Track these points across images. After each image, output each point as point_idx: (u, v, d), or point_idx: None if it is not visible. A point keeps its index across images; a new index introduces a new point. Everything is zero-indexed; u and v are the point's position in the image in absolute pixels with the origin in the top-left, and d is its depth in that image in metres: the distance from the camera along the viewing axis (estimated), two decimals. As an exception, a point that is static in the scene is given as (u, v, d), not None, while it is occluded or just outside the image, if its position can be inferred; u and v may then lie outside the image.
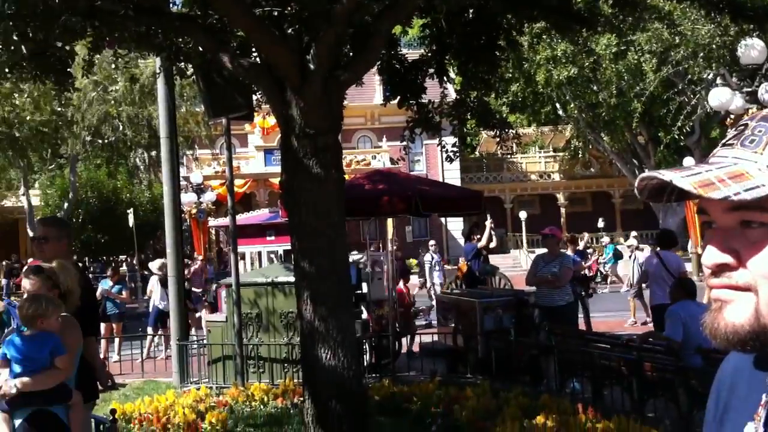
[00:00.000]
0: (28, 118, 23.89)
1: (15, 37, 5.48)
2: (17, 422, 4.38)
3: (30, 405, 4.37)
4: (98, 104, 23.87)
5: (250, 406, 8.67)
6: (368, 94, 36.59)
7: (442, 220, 38.82)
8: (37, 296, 4.49)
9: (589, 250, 21.06)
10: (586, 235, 22.10)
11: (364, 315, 11.56)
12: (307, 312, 6.35)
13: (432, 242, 23.70)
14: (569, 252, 13.70)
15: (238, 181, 31.06)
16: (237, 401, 8.71)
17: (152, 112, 24.43)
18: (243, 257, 17.29)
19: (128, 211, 26.62)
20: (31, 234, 27.30)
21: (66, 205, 29.46)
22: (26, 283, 4.74)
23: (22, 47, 5.42)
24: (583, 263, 14.62)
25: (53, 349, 4.38)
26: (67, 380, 4.49)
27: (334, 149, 6.46)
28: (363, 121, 40.65)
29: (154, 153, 27.71)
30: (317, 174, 6.28)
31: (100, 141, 25.69)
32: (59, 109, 22.91)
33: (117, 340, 14.18)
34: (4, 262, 33.67)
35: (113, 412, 5.32)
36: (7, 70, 5.96)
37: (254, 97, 9.36)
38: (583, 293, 13.60)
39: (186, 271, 17.36)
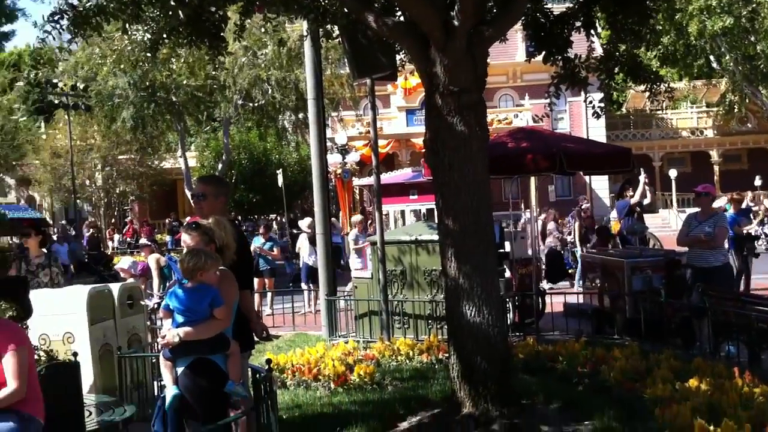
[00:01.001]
0: (184, 83, 25.00)
1: (172, 3, 5.75)
2: (179, 369, 4.67)
3: (191, 353, 4.64)
4: (248, 69, 24.64)
5: (396, 361, 8.87)
6: (510, 52, 35.85)
7: (587, 178, 37.83)
8: (197, 251, 4.74)
9: (755, 208, 19.92)
10: (750, 194, 20.93)
11: (507, 274, 11.50)
12: (451, 269, 6.39)
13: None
14: (731, 211, 13.05)
15: (380, 142, 31.35)
16: (383, 355, 8.93)
17: (299, 75, 24.97)
18: (387, 216, 17.54)
19: (277, 171, 27.50)
20: (188, 194, 28.78)
21: (220, 166, 30.76)
22: (185, 239, 5.01)
23: (179, 12, 5.68)
24: (748, 222, 13.86)
25: (212, 301, 4.62)
26: (225, 331, 4.74)
27: (478, 107, 6.41)
28: (505, 80, 39.96)
29: (301, 115, 28.38)
30: (461, 132, 6.27)
31: (250, 104, 26.56)
32: (213, 73, 23.79)
33: (269, 294, 14.81)
34: (166, 220, 35.77)
35: (269, 362, 5.57)
36: (164, 35, 6.26)
37: (398, 57, 9.40)
38: (746, 253, 12.95)
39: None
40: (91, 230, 28.74)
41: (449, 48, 6.12)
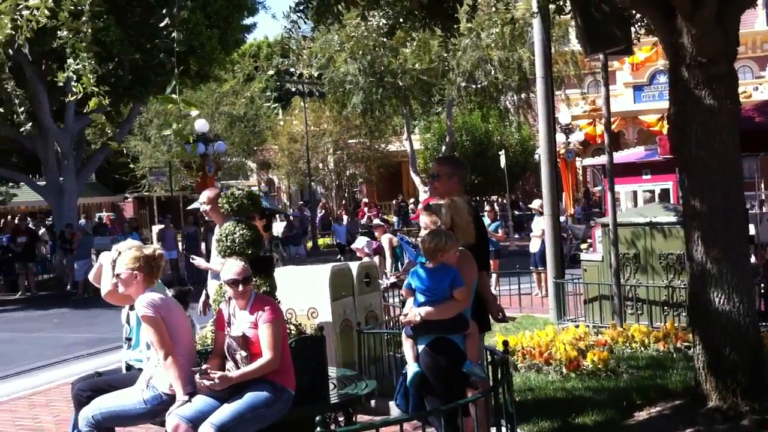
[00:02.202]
0: (411, 66, 25.46)
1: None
2: (420, 347, 4.77)
3: (431, 332, 4.71)
4: (471, 50, 24.63)
5: (630, 348, 8.54)
6: (749, 20, 33.25)
7: (841, 156, 34.31)
8: (437, 231, 4.80)
9: None
10: None
11: (752, 259, 10.70)
12: (697, 253, 6.03)
13: None
14: None
15: (607, 120, 30.27)
16: (616, 342, 8.63)
17: (522, 54, 24.63)
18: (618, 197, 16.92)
19: (499, 152, 27.37)
20: (413, 176, 29.40)
21: (443, 148, 31.09)
22: (424, 220, 5.08)
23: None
24: None
25: (452, 281, 4.66)
26: (464, 311, 4.77)
27: (728, 78, 6.01)
28: (743, 50, 36.97)
29: (523, 95, 28.01)
30: (710, 105, 5.90)
31: (473, 86, 26.58)
32: (445, 54, 23.95)
33: (494, 275, 14.75)
34: (393, 201, 36.91)
35: (506, 343, 5.53)
36: (401, 19, 6.38)
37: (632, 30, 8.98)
38: None
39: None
40: (323, 211, 30.22)
41: (697, 16, 5.75)
